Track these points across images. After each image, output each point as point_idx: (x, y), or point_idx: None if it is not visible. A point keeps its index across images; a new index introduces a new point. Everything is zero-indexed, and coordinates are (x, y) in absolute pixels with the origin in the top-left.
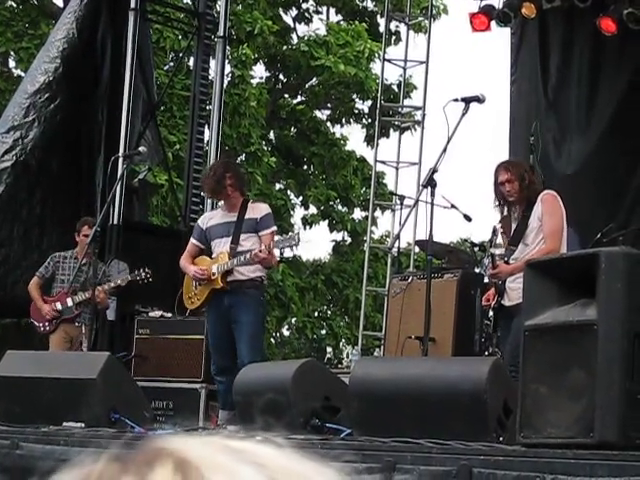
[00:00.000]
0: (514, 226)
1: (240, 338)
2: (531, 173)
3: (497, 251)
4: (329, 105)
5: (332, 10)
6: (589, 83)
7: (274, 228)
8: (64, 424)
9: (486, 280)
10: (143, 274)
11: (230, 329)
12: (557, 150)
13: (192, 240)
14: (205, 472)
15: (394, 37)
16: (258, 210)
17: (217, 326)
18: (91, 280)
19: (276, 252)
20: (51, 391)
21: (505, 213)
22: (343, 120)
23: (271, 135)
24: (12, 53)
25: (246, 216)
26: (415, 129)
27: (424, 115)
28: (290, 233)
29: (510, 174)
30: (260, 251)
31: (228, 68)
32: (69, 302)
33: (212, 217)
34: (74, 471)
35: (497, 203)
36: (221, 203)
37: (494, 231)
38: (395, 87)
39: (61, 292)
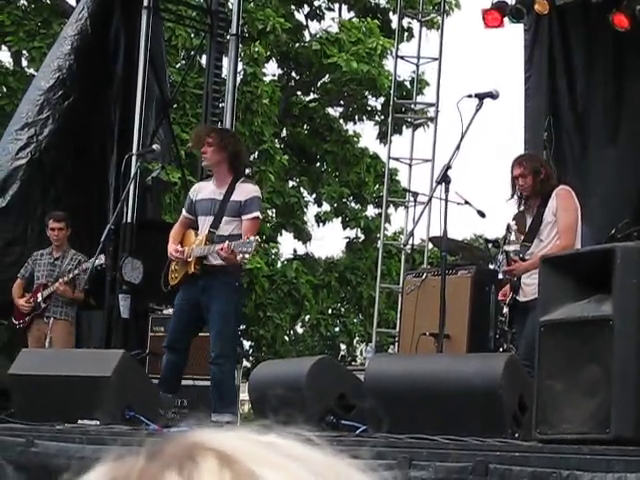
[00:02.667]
0: (529, 222)
1: (211, 329)
2: (547, 167)
3: (511, 248)
4: (342, 102)
5: (344, 7)
6: (612, 80)
7: (256, 214)
8: (79, 422)
9: (500, 276)
10: (97, 262)
11: (197, 311)
12: (573, 146)
13: (183, 211)
14: (252, 466)
15: (406, 33)
16: (244, 192)
17: (184, 305)
18: (64, 272)
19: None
20: (66, 389)
21: (521, 208)
22: (356, 117)
23: (283, 133)
24: (24, 52)
25: (231, 197)
26: (428, 126)
27: (437, 112)
28: (250, 238)
29: (523, 169)
30: (222, 249)
31: (240, 66)
32: (39, 297)
33: (201, 190)
34: (112, 467)
35: (512, 196)
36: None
37: (508, 228)
38: (408, 84)
39: (35, 288)
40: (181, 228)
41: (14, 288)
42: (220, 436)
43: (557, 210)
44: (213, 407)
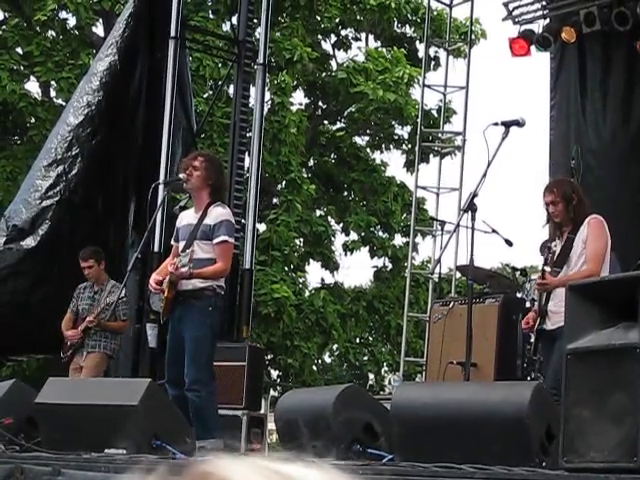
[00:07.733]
0: (559, 248)
1: (185, 355)
2: (579, 193)
3: (548, 268)
4: (369, 131)
5: (371, 36)
6: (624, 107)
7: (223, 238)
8: (105, 451)
9: (527, 305)
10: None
11: (181, 341)
12: (596, 175)
13: (172, 241)
14: None
15: (433, 62)
16: (213, 215)
17: (170, 338)
18: (98, 305)
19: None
20: (92, 418)
21: (552, 234)
22: (383, 146)
23: (311, 162)
24: (53, 83)
25: (203, 221)
26: (455, 154)
27: (464, 140)
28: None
29: (554, 195)
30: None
31: (268, 95)
32: (79, 331)
33: (184, 217)
34: None
35: (547, 222)
36: None
37: (549, 249)
38: (435, 112)
39: (78, 322)
40: (171, 258)
41: (63, 321)
42: (234, 465)
43: (587, 238)
44: (196, 434)
